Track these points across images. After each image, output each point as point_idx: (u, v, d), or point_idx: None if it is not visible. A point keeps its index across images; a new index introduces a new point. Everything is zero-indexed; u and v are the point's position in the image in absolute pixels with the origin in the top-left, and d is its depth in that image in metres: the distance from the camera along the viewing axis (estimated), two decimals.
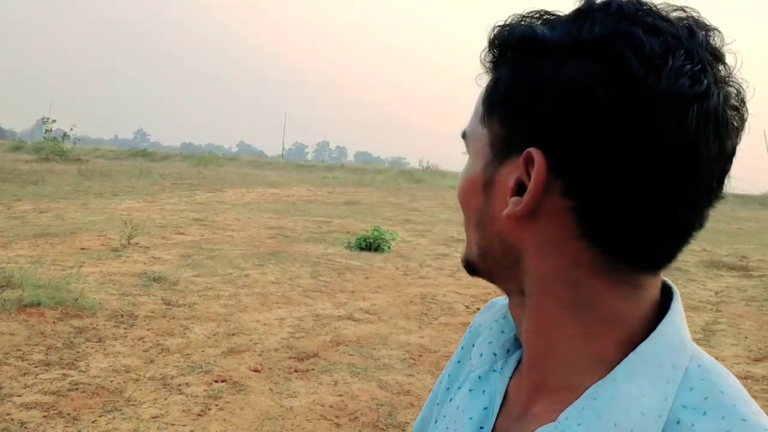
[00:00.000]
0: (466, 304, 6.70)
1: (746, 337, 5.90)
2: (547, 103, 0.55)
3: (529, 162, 0.56)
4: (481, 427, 0.66)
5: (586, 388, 0.56)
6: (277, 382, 4.34)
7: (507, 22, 0.60)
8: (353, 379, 4.48)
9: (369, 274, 7.89)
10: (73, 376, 4.17)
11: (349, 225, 11.97)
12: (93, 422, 3.59)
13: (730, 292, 7.82)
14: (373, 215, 13.99)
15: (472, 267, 0.66)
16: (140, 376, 4.27)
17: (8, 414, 3.61)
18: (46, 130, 28.58)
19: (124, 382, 4.16)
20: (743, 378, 4.79)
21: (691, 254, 10.42)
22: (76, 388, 4.00)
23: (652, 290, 0.58)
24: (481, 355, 0.70)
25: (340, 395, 4.19)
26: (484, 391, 0.68)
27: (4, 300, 5.35)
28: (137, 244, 8.68)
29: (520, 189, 0.58)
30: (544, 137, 0.55)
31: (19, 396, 3.85)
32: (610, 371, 0.56)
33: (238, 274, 7.34)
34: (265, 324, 5.55)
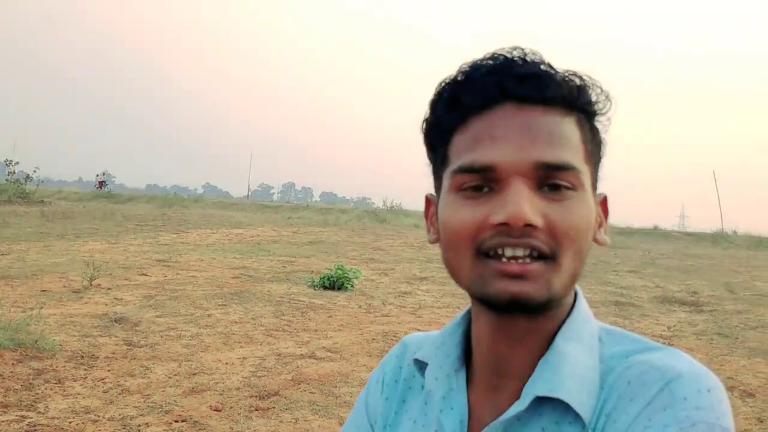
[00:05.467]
0: None
1: None
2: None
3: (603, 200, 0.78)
4: None
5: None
6: (238, 420, 4.38)
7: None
8: (314, 416, 4.54)
9: (332, 312, 7.96)
10: (31, 418, 4.15)
11: (314, 264, 12.04)
12: None
13: (681, 326, 8.07)
14: (337, 254, 14.08)
15: (553, 301, 0.70)
16: (99, 417, 4.27)
17: None
18: (9, 173, 28.14)
19: (83, 423, 4.15)
20: None
21: (644, 290, 10.70)
22: (35, 430, 3.98)
23: None
24: (436, 379, 0.78)
25: None
26: (452, 408, 0.76)
27: None
28: (99, 285, 8.64)
29: None
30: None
31: None
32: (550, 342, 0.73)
33: (200, 314, 7.36)
34: (226, 363, 5.59)
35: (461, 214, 0.69)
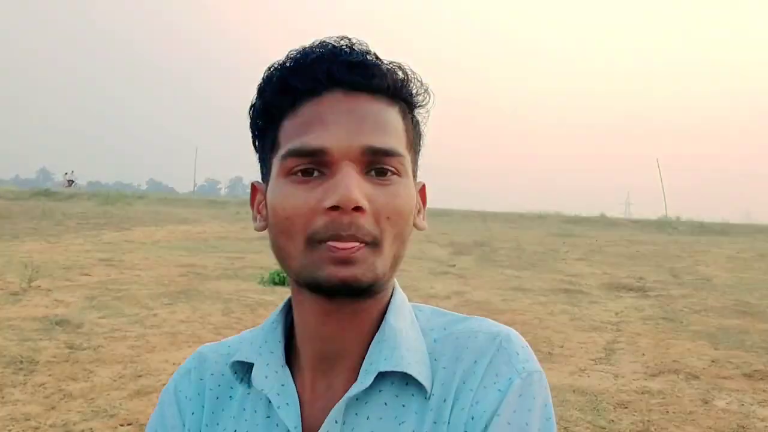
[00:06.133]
0: None
1: (643, 354, 6.23)
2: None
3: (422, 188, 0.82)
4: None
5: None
6: None
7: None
8: None
9: None
10: None
11: (263, 260, 11.88)
12: None
13: (629, 312, 8.26)
14: None
15: (379, 283, 0.73)
16: (41, 423, 4.10)
17: None
18: None
19: (24, 430, 3.98)
20: (641, 393, 5.05)
21: (592, 277, 10.93)
22: None
23: None
24: (266, 377, 0.77)
25: None
26: (288, 404, 0.76)
27: None
28: (39, 287, 8.33)
29: None
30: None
31: None
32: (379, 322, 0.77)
33: (146, 314, 7.16)
34: (174, 364, 5.44)
35: (293, 199, 0.71)
